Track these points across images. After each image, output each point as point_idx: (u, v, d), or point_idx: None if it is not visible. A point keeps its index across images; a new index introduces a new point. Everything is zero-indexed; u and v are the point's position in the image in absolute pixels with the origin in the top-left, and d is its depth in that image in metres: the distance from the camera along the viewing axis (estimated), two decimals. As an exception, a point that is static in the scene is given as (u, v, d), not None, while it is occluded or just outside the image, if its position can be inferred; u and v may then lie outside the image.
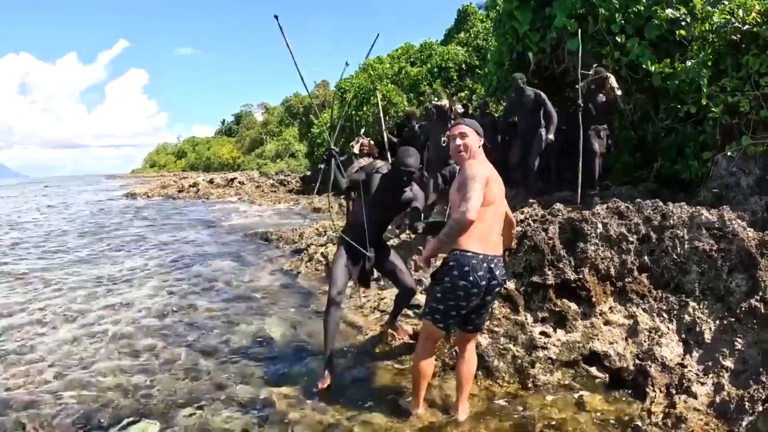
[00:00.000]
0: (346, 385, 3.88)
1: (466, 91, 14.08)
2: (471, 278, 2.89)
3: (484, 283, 2.92)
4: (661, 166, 7.22)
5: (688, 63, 6.56)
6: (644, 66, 7.06)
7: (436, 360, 3.58)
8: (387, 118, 14.13)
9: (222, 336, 5.05)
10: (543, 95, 7.70)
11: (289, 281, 7.23)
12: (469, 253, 2.91)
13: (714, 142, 6.22)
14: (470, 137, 3.11)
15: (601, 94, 7.24)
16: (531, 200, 6.77)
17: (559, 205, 5.50)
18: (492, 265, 2.95)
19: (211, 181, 27.49)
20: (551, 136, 7.45)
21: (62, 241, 11.86)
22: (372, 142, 8.29)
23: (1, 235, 13.31)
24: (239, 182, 26.69)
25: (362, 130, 9.29)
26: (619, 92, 7.18)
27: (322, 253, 7.90)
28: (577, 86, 6.95)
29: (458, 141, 3.10)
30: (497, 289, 3.08)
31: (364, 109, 15.97)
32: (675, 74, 6.67)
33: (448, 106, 8.53)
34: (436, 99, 11.16)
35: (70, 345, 4.91)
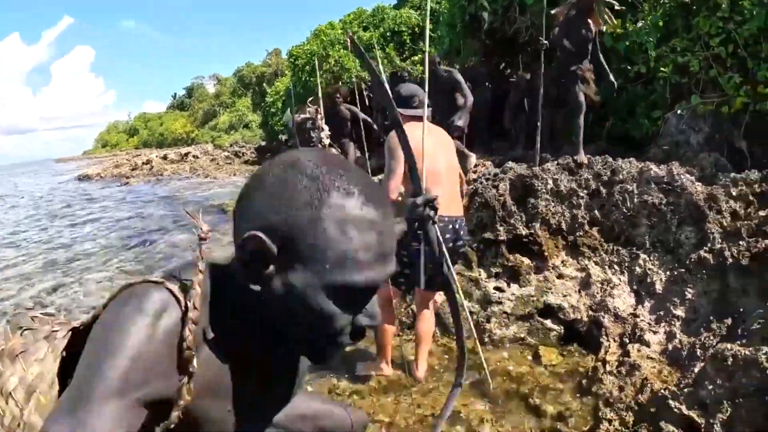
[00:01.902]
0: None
1: (419, 55, 13.93)
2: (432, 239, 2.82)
3: (450, 245, 2.87)
4: (612, 126, 7.30)
5: (639, 24, 6.58)
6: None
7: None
8: (340, 84, 13.89)
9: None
10: (457, 76, 6.99)
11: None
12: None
13: (664, 101, 6.32)
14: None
15: (584, 25, 5.70)
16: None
17: (511, 164, 5.51)
18: (457, 226, 2.92)
19: (164, 157, 26.74)
20: (461, 123, 6.74)
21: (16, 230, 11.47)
22: (320, 111, 7.70)
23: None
24: (193, 156, 26.09)
25: (310, 99, 8.88)
26: (609, 20, 6.04)
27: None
28: (553, 11, 5.80)
29: None
30: (463, 249, 3.06)
31: (318, 75, 15.61)
32: (626, 35, 6.69)
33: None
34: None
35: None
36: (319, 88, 6.18)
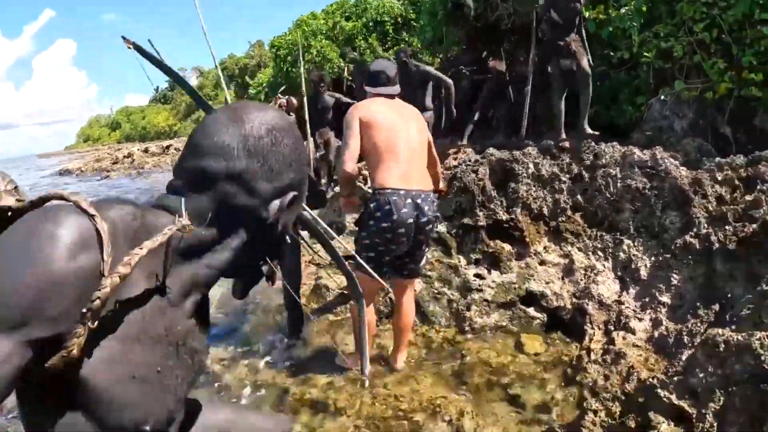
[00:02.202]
0: (280, 344, 3.68)
1: (402, 45, 13.75)
2: (395, 217, 2.65)
3: (411, 221, 2.69)
4: (596, 113, 7.18)
5: (622, 10, 6.45)
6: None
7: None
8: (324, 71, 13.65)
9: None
10: (428, 70, 6.91)
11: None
12: (388, 190, 2.69)
13: (647, 87, 6.21)
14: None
15: None
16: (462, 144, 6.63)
17: (491, 150, 5.39)
18: (419, 201, 2.72)
19: (146, 150, 26.31)
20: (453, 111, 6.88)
21: None
22: (295, 101, 7.66)
23: None
24: (175, 149, 25.59)
25: (281, 88, 8.72)
26: None
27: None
28: None
29: None
30: (429, 227, 2.82)
31: (302, 64, 15.39)
32: (608, 21, 6.57)
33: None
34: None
35: None
36: (303, 78, 6.04)
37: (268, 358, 3.47)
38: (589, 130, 5.71)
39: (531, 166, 3.89)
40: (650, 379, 2.28)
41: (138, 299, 0.81)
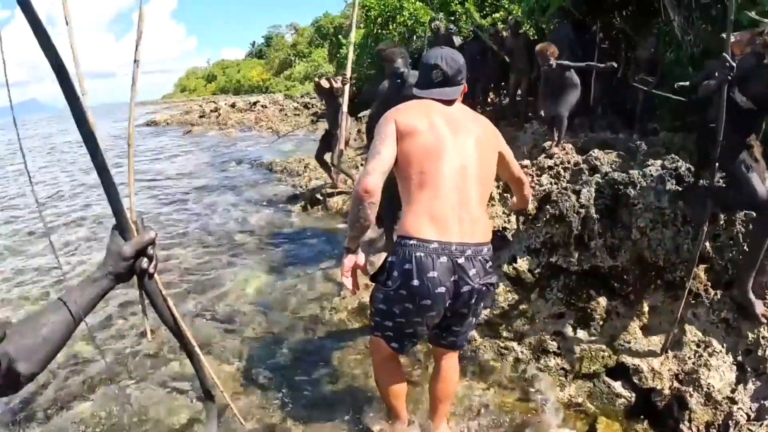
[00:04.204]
0: (304, 377, 3.07)
1: (501, 12, 12.53)
2: (415, 282, 1.86)
3: (443, 290, 1.88)
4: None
5: None
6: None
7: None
8: (414, 38, 12.77)
9: (188, 297, 4.36)
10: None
11: (284, 220, 6.45)
12: (412, 241, 1.89)
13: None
14: None
15: None
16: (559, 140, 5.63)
17: (597, 152, 4.40)
18: (461, 260, 1.89)
19: (233, 105, 26.33)
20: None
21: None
22: (336, 83, 6.78)
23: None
24: (262, 106, 25.55)
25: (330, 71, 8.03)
26: None
27: (322, 192, 6.99)
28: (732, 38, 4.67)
29: None
30: (475, 298, 1.98)
31: (390, 27, 14.53)
32: (753, 1, 5.19)
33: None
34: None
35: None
36: (349, 60, 5.43)
37: (284, 391, 2.88)
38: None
39: (652, 194, 2.91)
40: None
41: None
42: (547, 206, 3.02)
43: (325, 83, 7.01)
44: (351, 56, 5.69)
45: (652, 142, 5.18)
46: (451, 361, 2.27)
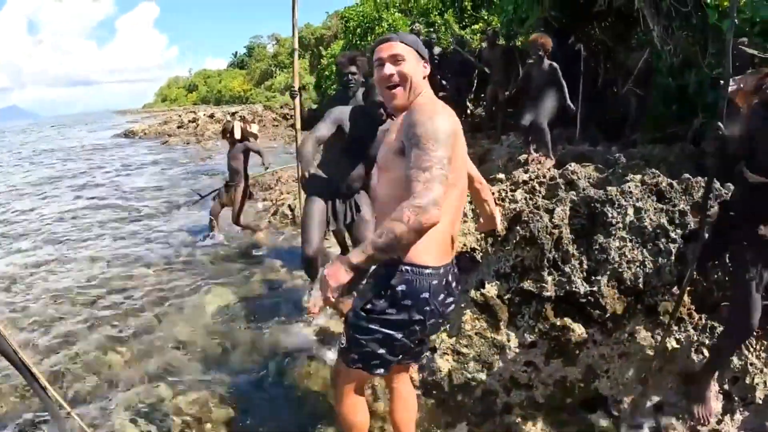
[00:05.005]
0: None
1: (480, 23, 12.43)
2: (430, 307, 1.75)
3: (442, 309, 1.82)
4: (703, 124, 5.78)
5: None
6: (698, -4, 5.33)
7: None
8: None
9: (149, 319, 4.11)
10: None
11: (250, 239, 6.10)
12: (427, 270, 1.74)
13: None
14: (409, 63, 1.78)
15: None
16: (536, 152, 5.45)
17: (574, 166, 4.20)
18: (449, 278, 1.83)
19: (211, 116, 25.89)
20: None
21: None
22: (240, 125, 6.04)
23: None
24: (240, 117, 25.21)
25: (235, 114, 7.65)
26: None
27: (289, 205, 6.72)
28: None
29: (389, 69, 1.78)
30: (453, 307, 1.92)
31: (369, 39, 14.40)
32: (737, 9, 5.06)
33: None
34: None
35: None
36: (296, 70, 5.02)
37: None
38: None
39: (630, 211, 2.69)
40: None
41: None
42: (517, 227, 2.78)
43: (237, 125, 6.05)
44: (297, 65, 5.29)
45: (632, 155, 5.00)
46: (407, 383, 2.19)
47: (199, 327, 3.87)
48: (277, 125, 22.89)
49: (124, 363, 3.41)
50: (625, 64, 6.69)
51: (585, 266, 2.64)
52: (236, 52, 74.84)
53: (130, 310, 4.21)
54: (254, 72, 54.98)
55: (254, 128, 6.16)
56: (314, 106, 24.88)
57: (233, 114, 21.50)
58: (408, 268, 1.72)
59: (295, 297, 4.21)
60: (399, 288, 1.72)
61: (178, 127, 23.65)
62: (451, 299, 1.85)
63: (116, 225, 7.26)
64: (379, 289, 1.76)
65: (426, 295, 1.73)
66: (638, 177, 3.07)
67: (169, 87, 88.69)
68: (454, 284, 1.85)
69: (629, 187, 2.77)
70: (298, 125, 4.91)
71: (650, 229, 2.66)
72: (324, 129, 3.31)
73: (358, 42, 15.21)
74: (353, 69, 3.95)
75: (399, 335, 1.77)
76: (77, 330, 3.88)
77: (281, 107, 28.47)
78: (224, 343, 3.61)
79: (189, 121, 24.56)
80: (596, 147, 6.10)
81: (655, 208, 2.74)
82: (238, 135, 5.94)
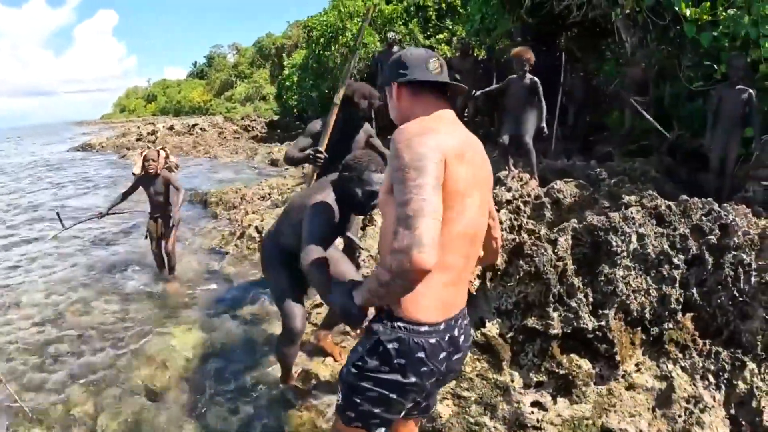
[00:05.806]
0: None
1: (445, 33, 12.40)
2: (428, 368, 1.57)
3: (444, 366, 1.61)
4: (679, 137, 5.81)
5: (731, 11, 4.95)
6: (675, 9, 5.25)
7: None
8: (357, 60, 12.48)
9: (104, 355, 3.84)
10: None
11: (215, 266, 5.74)
12: (423, 328, 1.54)
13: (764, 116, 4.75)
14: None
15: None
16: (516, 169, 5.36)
17: (559, 184, 4.13)
18: (455, 333, 1.63)
19: (171, 128, 25.28)
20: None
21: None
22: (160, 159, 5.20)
23: None
24: (201, 129, 24.61)
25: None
26: None
27: (256, 227, 6.41)
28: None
29: None
30: (463, 359, 1.74)
31: (333, 48, 14.23)
32: (714, 23, 5.07)
33: None
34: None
35: None
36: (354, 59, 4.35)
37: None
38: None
39: (634, 239, 2.57)
40: None
41: None
42: (520, 261, 2.63)
43: (139, 161, 5.14)
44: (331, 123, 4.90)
45: (613, 169, 4.95)
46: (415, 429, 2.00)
47: (163, 364, 3.59)
48: (238, 137, 22.47)
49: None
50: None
51: (591, 299, 2.51)
52: (196, 62, 73.61)
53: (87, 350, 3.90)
54: (214, 82, 54.01)
55: (172, 159, 5.43)
56: (275, 118, 24.50)
57: (154, 142, 20.84)
58: (401, 324, 1.54)
59: (267, 332, 3.97)
60: (390, 346, 1.55)
61: (137, 140, 22.99)
62: (458, 356, 1.66)
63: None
64: (370, 344, 1.59)
65: (421, 355, 1.54)
66: (633, 197, 3.00)
67: (128, 97, 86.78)
68: (462, 338, 1.65)
69: (631, 213, 2.66)
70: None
71: (653, 256, 2.57)
72: (303, 141, 3.63)
73: (321, 52, 15.05)
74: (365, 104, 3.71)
75: (394, 396, 1.60)
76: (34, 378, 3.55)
77: (242, 119, 28.06)
78: (191, 378, 3.38)
79: (148, 134, 23.94)
80: (571, 160, 6.07)
81: (655, 233, 2.65)
82: (137, 170, 5.10)
